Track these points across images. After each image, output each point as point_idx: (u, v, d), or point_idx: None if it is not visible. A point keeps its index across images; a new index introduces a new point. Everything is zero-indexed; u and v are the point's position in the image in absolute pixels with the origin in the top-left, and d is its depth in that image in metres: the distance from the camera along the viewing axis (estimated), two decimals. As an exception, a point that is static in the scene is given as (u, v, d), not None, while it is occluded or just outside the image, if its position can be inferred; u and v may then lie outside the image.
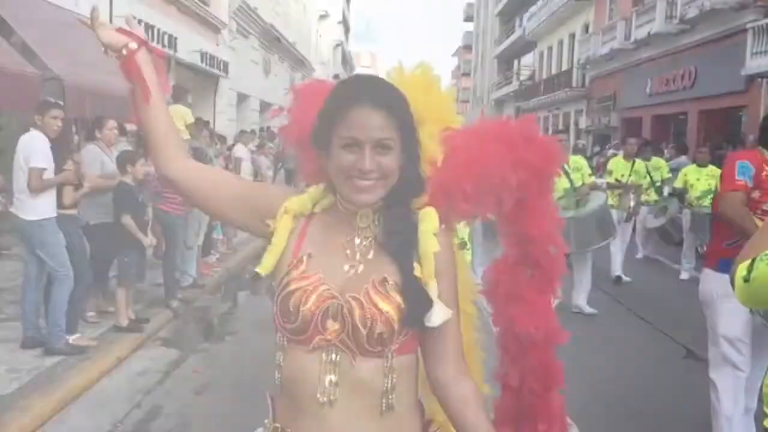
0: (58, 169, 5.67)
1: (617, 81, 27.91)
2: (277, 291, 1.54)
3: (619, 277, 9.40)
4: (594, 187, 7.63)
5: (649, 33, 23.73)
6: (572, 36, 34.84)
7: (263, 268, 1.56)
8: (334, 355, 1.50)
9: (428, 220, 1.57)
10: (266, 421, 1.68)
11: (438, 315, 1.51)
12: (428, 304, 1.51)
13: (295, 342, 1.53)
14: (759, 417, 3.93)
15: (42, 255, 5.61)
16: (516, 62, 49.33)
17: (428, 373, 1.63)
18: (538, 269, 1.82)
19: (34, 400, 4.75)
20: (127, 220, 6.22)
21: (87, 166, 6.09)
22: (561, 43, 37.06)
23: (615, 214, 8.80)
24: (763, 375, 2.99)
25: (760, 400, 2.72)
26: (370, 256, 1.56)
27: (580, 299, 7.59)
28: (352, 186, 1.50)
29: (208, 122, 12.08)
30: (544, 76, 39.30)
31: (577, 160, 7.76)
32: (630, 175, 9.30)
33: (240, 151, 12.82)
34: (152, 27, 13.67)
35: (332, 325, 1.49)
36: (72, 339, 5.79)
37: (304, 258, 1.54)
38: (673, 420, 4.91)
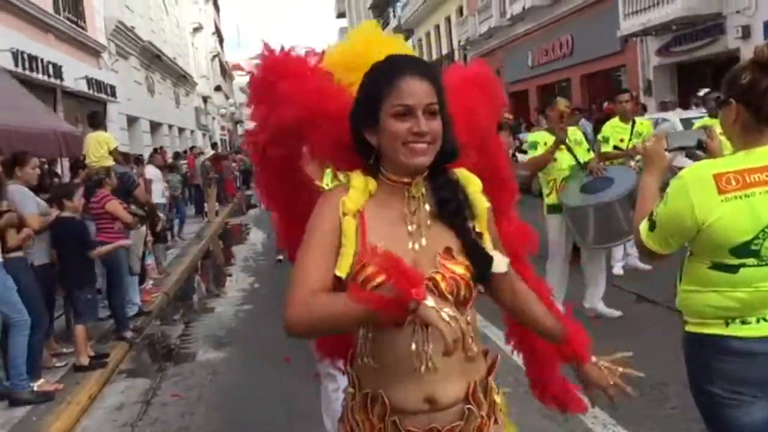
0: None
1: (499, 57, 28.93)
2: (361, 282, 1.58)
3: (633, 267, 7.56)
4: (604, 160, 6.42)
5: (523, 8, 24.74)
6: (448, 20, 35.72)
7: (342, 271, 1.61)
8: (425, 327, 1.57)
9: (472, 182, 1.74)
10: (348, 388, 1.77)
11: (501, 264, 1.68)
12: (489, 259, 1.66)
13: None
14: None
15: (-6, 304, 5.33)
16: (396, 52, 49.96)
17: (500, 301, 1.82)
18: (503, 187, 2.08)
19: (23, 452, 4.56)
20: (96, 253, 6.05)
21: (23, 206, 5.79)
22: (438, 28, 37.92)
23: None
24: None
25: None
26: (429, 224, 1.67)
27: (598, 302, 6.10)
28: (408, 151, 1.60)
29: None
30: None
31: (575, 132, 6.22)
32: (631, 139, 7.10)
33: (150, 172, 12.60)
34: (35, 58, 13.04)
35: None
36: (36, 386, 5.54)
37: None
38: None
